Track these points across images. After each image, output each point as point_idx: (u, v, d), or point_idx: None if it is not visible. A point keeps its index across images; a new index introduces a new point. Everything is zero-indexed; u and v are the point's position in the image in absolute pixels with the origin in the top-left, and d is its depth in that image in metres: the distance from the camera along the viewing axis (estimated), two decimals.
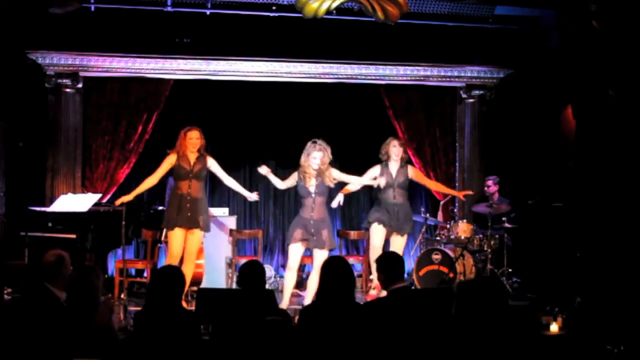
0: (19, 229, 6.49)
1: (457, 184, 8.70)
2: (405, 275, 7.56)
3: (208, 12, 7.53)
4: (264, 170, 6.40)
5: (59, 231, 6.41)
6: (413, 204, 7.68)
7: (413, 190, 7.52)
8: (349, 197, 8.72)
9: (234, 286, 7.29)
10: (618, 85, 6.82)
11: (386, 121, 8.52)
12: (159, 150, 7.86)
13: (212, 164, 6.54)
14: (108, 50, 7.74)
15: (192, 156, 6.43)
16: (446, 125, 8.70)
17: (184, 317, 3.62)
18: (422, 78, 8.43)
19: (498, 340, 3.05)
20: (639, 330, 4.71)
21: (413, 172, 6.85)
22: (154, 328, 3.45)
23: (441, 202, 8.57)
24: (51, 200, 7.26)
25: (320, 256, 6.12)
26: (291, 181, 6.38)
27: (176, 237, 6.35)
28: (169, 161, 6.43)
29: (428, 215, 7.84)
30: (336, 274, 3.85)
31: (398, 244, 6.70)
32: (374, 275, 6.13)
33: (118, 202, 6.43)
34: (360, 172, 8.73)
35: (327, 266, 3.95)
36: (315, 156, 6.20)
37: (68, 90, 7.85)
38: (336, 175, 6.39)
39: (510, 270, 7.62)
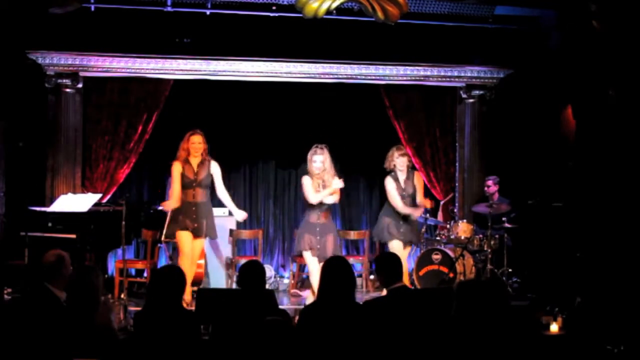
0: (19, 229, 6.49)
1: (457, 184, 8.71)
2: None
3: (208, 12, 7.53)
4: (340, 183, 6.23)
5: (59, 231, 6.41)
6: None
7: None
8: (349, 197, 8.75)
9: (234, 286, 7.30)
10: (618, 85, 6.81)
11: (386, 121, 8.52)
12: (158, 150, 7.91)
13: (215, 170, 6.54)
14: (108, 50, 7.74)
15: (195, 161, 6.43)
16: (446, 125, 8.70)
17: (184, 317, 3.62)
18: (422, 78, 8.43)
19: (498, 340, 3.05)
20: (639, 330, 4.72)
21: (417, 179, 6.75)
22: (154, 328, 3.45)
23: (441, 202, 8.58)
24: (51, 200, 7.26)
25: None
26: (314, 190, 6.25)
27: (185, 236, 6.41)
28: (177, 170, 6.40)
29: (428, 215, 7.82)
30: (336, 274, 3.85)
31: (405, 253, 6.67)
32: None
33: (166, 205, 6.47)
34: (360, 172, 8.81)
35: (327, 266, 3.96)
36: (316, 160, 6.23)
37: (68, 90, 7.84)
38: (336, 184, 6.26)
39: (510, 270, 7.62)
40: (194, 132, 6.49)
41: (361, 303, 4.08)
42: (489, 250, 7.48)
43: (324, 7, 6.66)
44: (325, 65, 8.17)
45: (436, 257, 7.42)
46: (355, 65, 8.23)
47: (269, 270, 8.12)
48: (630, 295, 5.76)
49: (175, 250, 7.51)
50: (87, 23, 7.43)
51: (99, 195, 7.08)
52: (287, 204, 8.92)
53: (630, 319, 5.01)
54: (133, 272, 8.02)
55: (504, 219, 7.65)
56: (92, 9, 7.34)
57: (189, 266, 6.33)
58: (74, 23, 7.36)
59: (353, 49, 8.00)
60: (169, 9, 7.40)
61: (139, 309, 4.82)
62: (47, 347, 3.50)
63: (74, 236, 6.36)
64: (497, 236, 7.59)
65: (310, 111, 8.50)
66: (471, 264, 7.57)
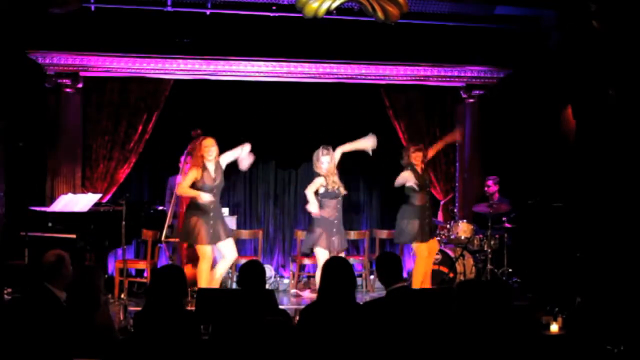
0: (19, 229, 6.49)
1: (457, 184, 8.72)
2: (405, 275, 7.62)
3: (208, 12, 7.53)
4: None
5: (59, 231, 6.42)
6: None
7: None
8: (349, 197, 8.74)
9: (234, 286, 7.30)
10: (618, 85, 6.81)
11: (386, 121, 8.52)
12: (158, 150, 7.91)
13: (223, 162, 6.47)
14: (108, 50, 7.74)
15: (211, 166, 6.35)
16: (446, 125, 8.70)
17: (184, 317, 3.62)
18: (422, 78, 8.44)
19: (498, 340, 3.05)
20: (639, 330, 4.72)
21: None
22: (154, 328, 3.45)
23: (441, 202, 8.58)
24: (51, 200, 7.26)
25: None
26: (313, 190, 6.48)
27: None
28: (193, 176, 6.27)
29: None
30: (336, 274, 3.85)
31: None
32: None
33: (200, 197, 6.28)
34: (360, 172, 8.80)
35: (327, 266, 3.96)
36: (324, 160, 6.44)
37: (68, 90, 7.85)
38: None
39: (510, 270, 7.62)
40: (205, 136, 6.39)
41: (361, 303, 4.08)
42: (489, 250, 7.48)
43: (324, 7, 6.65)
44: (325, 65, 8.18)
45: (436, 257, 7.41)
46: (355, 65, 8.24)
47: (269, 270, 8.12)
48: (630, 295, 5.76)
49: (175, 250, 7.52)
50: (87, 23, 7.43)
51: (99, 195, 7.08)
52: (287, 204, 8.92)
53: (630, 319, 5.01)
54: (133, 272, 8.02)
55: (504, 219, 7.65)
56: (92, 9, 7.34)
57: (209, 270, 6.28)
58: (74, 23, 7.37)
59: (353, 49, 8.00)
60: (169, 9, 7.41)
61: (139, 309, 4.82)
62: (47, 347, 3.50)
63: (74, 236, 6.37)
64: (497, 236, 7.59)
65: (310, 111, 8.50)
66: (471, 264, 7.58)
